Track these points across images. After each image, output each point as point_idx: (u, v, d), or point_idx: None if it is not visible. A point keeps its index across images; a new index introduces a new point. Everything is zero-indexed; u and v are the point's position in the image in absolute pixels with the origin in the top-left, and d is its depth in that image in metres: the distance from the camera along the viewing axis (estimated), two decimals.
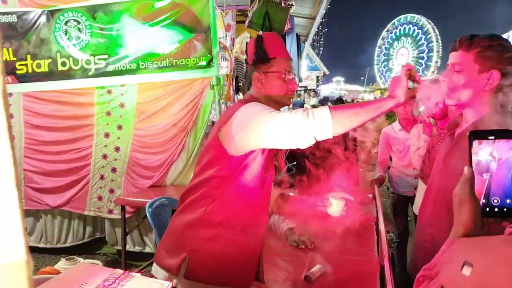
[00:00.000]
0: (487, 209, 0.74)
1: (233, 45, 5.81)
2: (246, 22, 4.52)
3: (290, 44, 6.04)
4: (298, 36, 6.58)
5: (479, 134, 0.75)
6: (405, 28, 38.83)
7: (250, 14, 4.38)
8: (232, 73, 5.59)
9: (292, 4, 5.87)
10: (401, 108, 3.24)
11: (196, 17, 3.39)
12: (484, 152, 0.74)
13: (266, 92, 1.47)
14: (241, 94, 6.37)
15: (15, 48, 3.59)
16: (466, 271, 0.60)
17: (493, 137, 0.73)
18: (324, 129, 1.15)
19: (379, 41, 41.63)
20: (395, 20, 39.81)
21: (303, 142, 1.18)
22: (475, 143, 0.75)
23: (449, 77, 1.31)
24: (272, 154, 1.47)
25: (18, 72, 3.61)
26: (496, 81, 1.25)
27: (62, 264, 2.07)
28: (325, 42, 19.18)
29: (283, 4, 4.53)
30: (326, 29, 15.47)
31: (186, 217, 1.44)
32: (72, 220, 3.92)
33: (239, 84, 6.36)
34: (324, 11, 8.08)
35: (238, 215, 1.42)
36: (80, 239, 3.96)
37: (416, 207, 2.85)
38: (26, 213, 3.86)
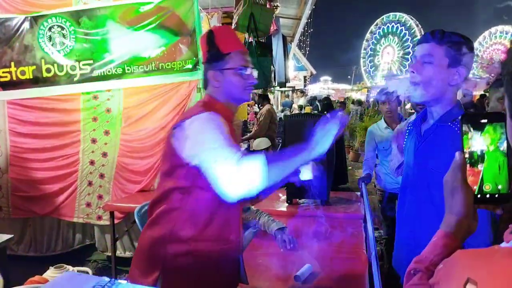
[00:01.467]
0: (479, 195, 0.72)
1: None
2: (232, 25, 4.54)
3: (277, 45, 6.05)
4: (284, 37, 6.60)
5: (470, 118, 0.72)
6: (393, 26, 39.01)
7: (235, 16, 4.40)
8: None
9: (277, 6, 5.91)
10: (386, 107, 3.29)
11: (181, 20, 3.39)
12: (476, 136, 0.71)
13: (224, 90, 1.41)
14: None
15: None
16: None
17: (485, 121, 0.70)
18: (254, 185, 1.14)
19: (367, 35, 41.73)
20: (384, 16, 39.97)
21: (231, 194, 1.16)
22: (467, 127, 0.71)
23: (417, 69, 1.32)
24: None
25: (2, 79, 3.57)
26: (461, 78, 1.29)
27: (50, 272, 2.04)
28: (311, 42, 19.28)
29: (268, 6, 4.57)
30: (312, 29, 15.56)
31: (155, 233, 1.38)
32: (61, 227, 3.89)
33: None
34: (310, 12, 8.14)
35: (208, 226, 1.35)
36: (69, 246, 3.93)
37: None
38: (14, 222, 3.81)
